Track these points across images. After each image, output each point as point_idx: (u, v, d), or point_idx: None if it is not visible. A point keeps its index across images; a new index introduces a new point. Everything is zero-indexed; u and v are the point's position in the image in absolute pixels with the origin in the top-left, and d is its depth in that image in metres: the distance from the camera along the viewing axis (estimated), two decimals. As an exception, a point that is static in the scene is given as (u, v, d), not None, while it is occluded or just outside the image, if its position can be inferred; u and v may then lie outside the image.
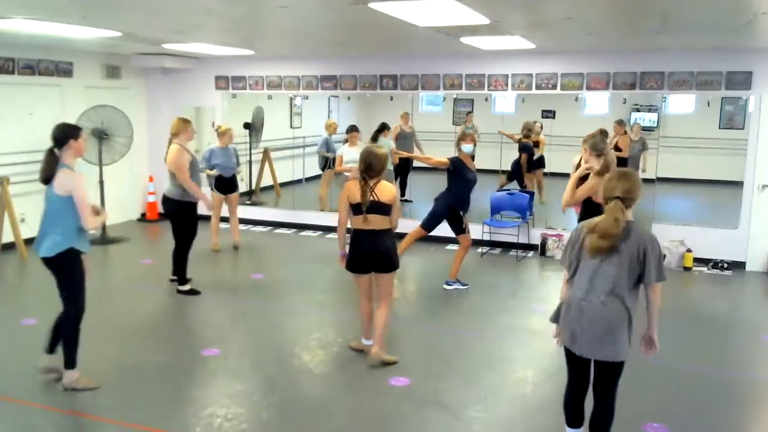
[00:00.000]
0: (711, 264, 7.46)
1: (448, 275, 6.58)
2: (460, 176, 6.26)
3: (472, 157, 6.39)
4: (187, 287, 6.26)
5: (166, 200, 6.14)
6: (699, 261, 7.49)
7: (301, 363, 4.60)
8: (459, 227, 6.39)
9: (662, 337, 5.54)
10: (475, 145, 6.32)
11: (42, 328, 5.32)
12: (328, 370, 4.63)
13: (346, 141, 8.12)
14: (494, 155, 9.19)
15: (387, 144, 6.21)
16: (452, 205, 6.33)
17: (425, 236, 6.61)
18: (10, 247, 7.58)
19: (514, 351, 5.09)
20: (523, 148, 9.14)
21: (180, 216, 6.11)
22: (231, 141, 7.85)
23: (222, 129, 7.89)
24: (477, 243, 8.13)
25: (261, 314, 5.83)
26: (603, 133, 5.89)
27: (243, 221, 9.56)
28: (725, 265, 7.38)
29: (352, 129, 8.12)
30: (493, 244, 8.33)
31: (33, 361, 4.61)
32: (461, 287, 6.52)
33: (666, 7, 4.75)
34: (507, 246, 8.30)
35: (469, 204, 6.42)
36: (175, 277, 6.38)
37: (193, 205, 6.12)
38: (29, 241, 7.83)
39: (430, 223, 6.47)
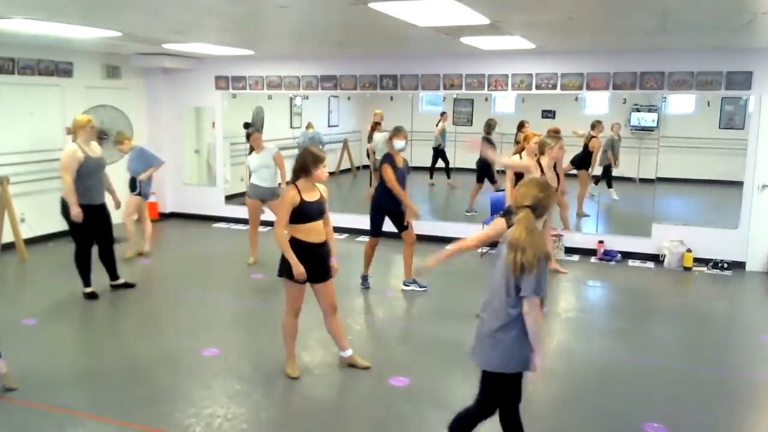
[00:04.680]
0: (711, 264, 7.46)
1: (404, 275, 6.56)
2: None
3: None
4: (90, 290, 6.04)
5: (64, 203, 5.81)
6: (699, 261, 7.48)
7: (301, 363, 4.59)
8: (400, 224, 6.29)
9: (662, 337, 5.58)
10: (406, 141, 6.19)
11: (43, 327, 5.37)
12: (328, 370, 4.63)
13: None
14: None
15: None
16: (380, 204, 6.21)
17: (377, 243, 6.38)
18: (10, 247, 7.58)
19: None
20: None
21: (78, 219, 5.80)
22: (129, 149, 7.50)
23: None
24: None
25: (261, 314, 5.83)
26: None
27: (243, 221, 9.57)
28: (725, 265, 7.38)
29: (254, 131, 7.65)
30: (492, 244, 8.30)
31: (33, 361, 4.63)
32: (419, 289, 6.42)
33: (666, 7, 4.75)
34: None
35: (400, 200, 6.18)
36: (116, 282, 6.29)
37: (92, 208, 5.87)
38: (29, 241, 7.88)
39: (372, 227, 6.30)
